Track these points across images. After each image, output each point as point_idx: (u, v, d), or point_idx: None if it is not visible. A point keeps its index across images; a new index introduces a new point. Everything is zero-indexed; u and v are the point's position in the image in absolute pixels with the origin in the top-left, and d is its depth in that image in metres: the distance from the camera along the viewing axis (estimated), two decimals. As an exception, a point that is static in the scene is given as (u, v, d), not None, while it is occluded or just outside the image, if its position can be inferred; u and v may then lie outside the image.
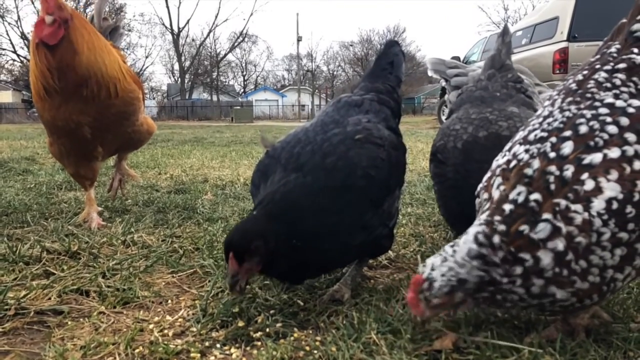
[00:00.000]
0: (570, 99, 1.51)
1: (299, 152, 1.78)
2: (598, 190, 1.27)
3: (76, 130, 2.91)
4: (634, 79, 1.49)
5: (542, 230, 1.28)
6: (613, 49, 1.59)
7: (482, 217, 1.39)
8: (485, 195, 1.46)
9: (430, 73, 3.17)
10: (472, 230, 1.36)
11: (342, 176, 1.71)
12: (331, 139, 1.81)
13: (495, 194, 1.41)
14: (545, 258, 1.27)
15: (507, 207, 1.34)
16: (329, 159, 1.73)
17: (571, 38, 10.29)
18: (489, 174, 1.52)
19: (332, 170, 1.71)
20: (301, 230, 1.64)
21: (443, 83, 3.12)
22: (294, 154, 1.78)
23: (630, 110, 1.39)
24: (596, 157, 1.31)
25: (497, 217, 1.34)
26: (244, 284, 1.63)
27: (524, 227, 1.29)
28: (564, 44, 10.36)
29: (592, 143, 1.34)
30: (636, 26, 1.58)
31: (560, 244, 1.26)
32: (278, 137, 2.11)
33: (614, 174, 1.28)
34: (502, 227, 1.32)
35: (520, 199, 1.33)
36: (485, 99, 2.43)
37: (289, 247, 1.63)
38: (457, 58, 15.64)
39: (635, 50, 1.55)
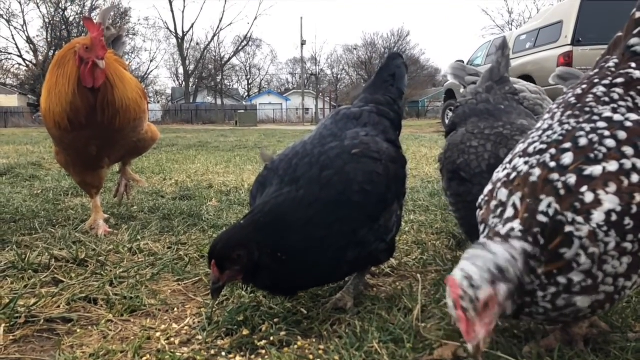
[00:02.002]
0: (569, 112, 1.54)
1: (297, 163, 1.80)
2: (597, 202, 1.29)
3: (84, 148, 2.98)
4: (632, 93, 1.52)
5: (574, 248, 1.28)
6: (611, 63, 1.63)
7: (507, 225, 1.37)
8: (493, 204, 1.46)
9: (449, 78, 3.20)
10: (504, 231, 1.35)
11: (337, 191, 1.72)
12: (328, 152, 1.82)
13: (517, 202, 1.39)
14: (577, 277, 1.30)
15: (541, 218, 1.33)
16: (326, 172, 1.75)
17: (575, 42, 10.29)
18: (489, 187, 1.53)
19: (327, 184, 1.72)
20: (287, 242, 1.65)
21: (462, 90, 3.14)
22: (292, 165, 1.80)
23: (628, 124, 1.42)
24: (596, 170, 1.33)
25: (535, 229, 1.33)
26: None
27: (564, 250, 1.29)
28: (568, 48, 10.36)
29: (592, 155, 1.36)
30: (633, 41, 1.61)
31: (584, 259, 1.28)
32: (282, 141, 2.11)
33: (613, 187, 1.30)
34: (542, 240, 1.32)
35: (551, 212, 1.32)
36: (493, 112, 2.43)
37: (274, 259, 1.64)
38: (461, 62, 15.65)
39: (633, 64, 1.58)
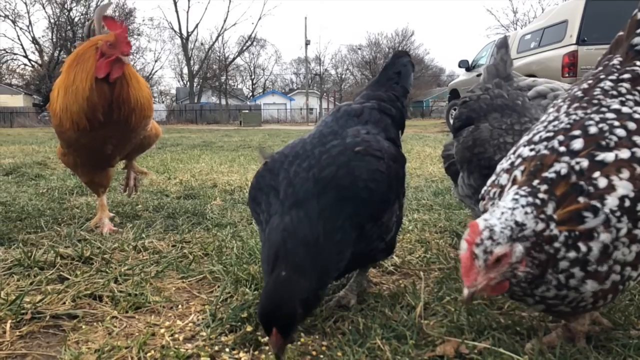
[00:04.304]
0: (576, 104, 1.55)
1: (296, 171, 1.71)
2: (611, 188, 1.29)
3: (100, 147, 3.00)
4: (639, 88, 1.54)
5: (598, 219, 1.29)
6: (615, 61, 1.64)
7: (512, 188, 1.39)
8: (494, 191, 1.47)
9: (481, 80, 3.17)
10: (510, 193, 1.35)
11: (342, 186, 1.67)
12: (330, 151, 1.77)
13: (517, 175, 1.42)
14: (595, 250, 1.28)
15: (549, 175, 1.35)
16: (328, 170, 1.69)
17: (580, 41, 10.25)
18: (492, 178, 1.54)
19: (330, 181, 1.66)
20: (325, 267, 1.58)
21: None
22: (291, 173, 1.71)
23: (637, 116, 1.44)
24: (609, 156, 1.34)
25: (537, 181, 1.35)
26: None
27: (588, 215, 1.28)
28: (573, 47, 10.31)
29: (603, 143, 1.37)
30: (637, 40, 1.63)
31: (606, 236, 1.28)
32: (286, 141, 2.06)
33: (626, 173, 1.31)
34: (544, 187, 1.33)
35: (564, 171, 1.34)
36: (514, 108, 2.42)
37: (316, 293, 1.56)
38: (466, 62, 15.61)
39: (638, 62, 1.60)
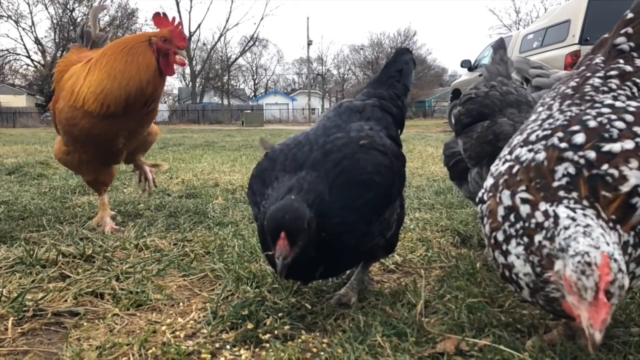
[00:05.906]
0: (568, 101, 1.55)
1: (295, 152, 1.76)
2: (623, 178, 1.28)
3: (112, 140, 3.01)
4: (628, 83, 1.56)
5: None
6: (598, 60, 1.66)
7: (540, 205, 1.28)
8: (500, 213, 1.37)
9: (482, 79, 3.15)
10: (561, 213, 1.23)
11: (357, 172, 1.69)
12: (335, 141, 1.78)
13: (524, 196, 1.32)
14: None
15: (562, 182, 1.28)
16: (334, 155, 1.71)
17: (583, 41, 10.22)
18: (491, 181, 1.49)
19: (338, 165, 1.69)
20: (328, 223, 1.61)
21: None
22: (290, 155, 1.76)
23: (631, 109, 1.44)
24: (615, 147, 1.32)
25: (561, 192, 1.27)
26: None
27: (637, 199, 1.25)
28: (575, 47, 10.28)
29: (606, 135, 1.35)
30: (619, 40, 1.65)
31: None
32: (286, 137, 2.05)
33: (634, 163, 1.29)
34: (575, 194, 1.27)
35: (571, 170, 1.30)
36: (529, 104, 2.41)
37: (318, 239, 1.59)
38: (468, 62, 15.59)
39: (621, 61, 1.61)
